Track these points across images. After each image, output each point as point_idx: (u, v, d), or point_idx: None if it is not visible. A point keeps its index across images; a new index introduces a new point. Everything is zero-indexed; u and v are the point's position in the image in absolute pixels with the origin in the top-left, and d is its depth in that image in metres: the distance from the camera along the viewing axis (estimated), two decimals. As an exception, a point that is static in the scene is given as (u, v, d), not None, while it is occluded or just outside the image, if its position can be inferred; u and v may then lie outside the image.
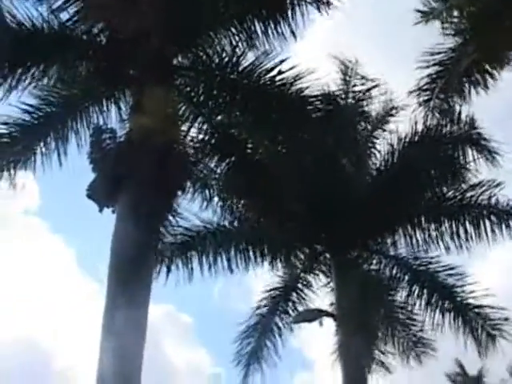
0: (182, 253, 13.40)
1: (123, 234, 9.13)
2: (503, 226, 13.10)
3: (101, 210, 9.54)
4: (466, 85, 11.46)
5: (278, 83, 10.62)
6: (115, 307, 8.59)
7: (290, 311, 14.54)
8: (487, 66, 11.25)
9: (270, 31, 10.56)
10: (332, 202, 12.88)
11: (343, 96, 13.25)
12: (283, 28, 10.54)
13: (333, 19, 10.67)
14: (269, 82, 10.62)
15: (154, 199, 9.22)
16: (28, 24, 10.11)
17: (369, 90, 13.53)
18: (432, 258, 13.79)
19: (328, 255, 14.10)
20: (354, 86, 13.55)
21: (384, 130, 13.99)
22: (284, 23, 10.48)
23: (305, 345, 21.32)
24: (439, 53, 11.39)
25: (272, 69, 10.56)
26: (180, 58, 10.78)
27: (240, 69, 10.65)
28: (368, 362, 13.74)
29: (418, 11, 11.21)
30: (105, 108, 10.96)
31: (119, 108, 10.96)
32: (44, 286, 25.77)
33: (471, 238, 13.16)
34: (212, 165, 11.93)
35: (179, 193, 10.31)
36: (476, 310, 13.64)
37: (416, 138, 12.90)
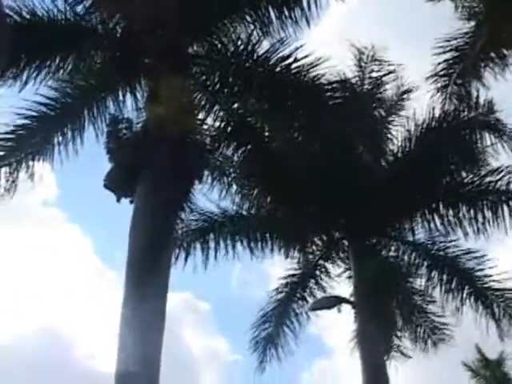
0: (199, 239, 13.50)
1: (141, 224, 9.17)
2: (521, 212, 13.04)
3: (118, 200, 9.59)
4: (482, 69, 11.36)
5: (293, 70, 10.57)
6: (134, 295, 8.63)
7: (308, 298, 14.59)
8: (503, 50, 11.14)
9: (284, 18, 10.53)
10: (349, 188, 12.88)
11: (359, 82, 13.21)
12: (298, 14, 10.51)
13: (347, 4, 10.60)
14: (284, 70, 10.57)
15: (171, 188, 9.24)
16: (44, 16, 10.16)
17: (386, 75, 13.48)
18: (451, 242, 13.78)
19: (346, 242, 14.11)
20: (371, 71, 13.51)
21: (400, 116, 13.94)
22: (298, 10, 10.44)
23: (324, 332, 21.36)
24: (455, 38, 11.30)
25: (287, 56, 10.51)
26: (195, 47, 10.77)
27: (255, 56, 10.62)
28: (387, 348, 13.77)
29: None
30: (121, 98, 11.00)
31: (135, 98, 11.00)
32: (63, 276, 25.97)
33: (489, 223, 13.10)
34: (229, 153, 11.96)
35: (196, 181, 10.33)
36: (497, 293, 13.61)
37: (433, 124, 12.84)
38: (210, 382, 28.84)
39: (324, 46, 11.84)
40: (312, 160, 12.52)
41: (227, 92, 11.12)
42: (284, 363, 14.89)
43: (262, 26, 10.52)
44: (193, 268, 13.40)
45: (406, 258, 13.99)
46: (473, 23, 11.00)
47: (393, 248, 14.11)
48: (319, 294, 14.47)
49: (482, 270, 13.68)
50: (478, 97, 12.18)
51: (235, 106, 11.34)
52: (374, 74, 13.49)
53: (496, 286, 13.60)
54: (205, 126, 11.10)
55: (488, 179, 13.15)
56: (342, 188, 12.87)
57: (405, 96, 13.97)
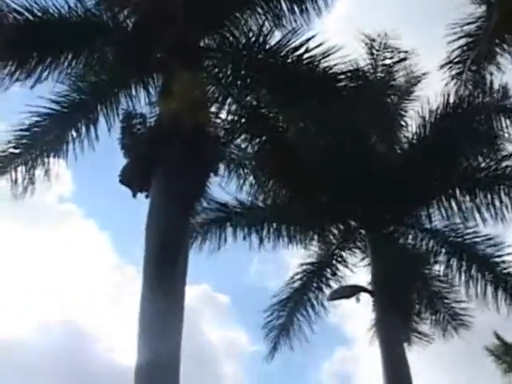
0: (217, 231, 13.57)
1: (157, 218, 9.18)
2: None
3: (134, 195, 9.60)
4: (496, 53, 11.24)
5: (305, 61, 10.51)
6: (152, 290, 8.66)
7: (324, 287, 14.57)
8: None
9: (295, 8, 10.49)
10: (365, 177, 12.84)
11: (372, 70, 13.13)
12: (309, 4, 10.46)
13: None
14: (296, 60, 10.51)
15: (186, 182, 9.23)
16: (55, 13, 10.18)
17: (398, 61, 13.41)
18: (469, 228, 13.71)
19: (363, 231, 14.09)
20: (384, 59, 13.43)
21: (414, 103, 13.87)
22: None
23: (344, 321, 21.36)
24: (469, 23, 11.18)
25: (299, 47, 10.45)
26: (207, 40, 10.75)
27: (267, 48, 10.58)
28: (406, 336, 13.75)
29: None
30: (134, 93, 11.02)
31: (148, 92, 11.01)
32: (82, 271, 26.13)
33: (507, 208, 13.02)
34: (243, 145, 11.97)
35: (212, 174, 10.34)
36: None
37: (448, 110, 12.77)
38: (230, 372, 28.94)
39: (336, 35, 11.77)
40: (326, 149, 12.50)
41: (240, 84, 11.10)
42: (305, 353, 14.90)
43: (274, 16, 10.49)
44: (211, 260, 13.47)
45: (423, 245, 13.95)
46: (484, 7, 10.86)
47: (410, 236, 14.07)
48: (335, 284, 14.48)
49: (500, 256, 13.62)
50: (492, 82, 12.08)
51: (248, 98, 11.31)
52: (387, 62, 13.41)
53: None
54: (218, 119, 11.11)
55: (504, 164, 13.08)
56: (358, 177, 12.83)
57: (418, 82, 13.88)
